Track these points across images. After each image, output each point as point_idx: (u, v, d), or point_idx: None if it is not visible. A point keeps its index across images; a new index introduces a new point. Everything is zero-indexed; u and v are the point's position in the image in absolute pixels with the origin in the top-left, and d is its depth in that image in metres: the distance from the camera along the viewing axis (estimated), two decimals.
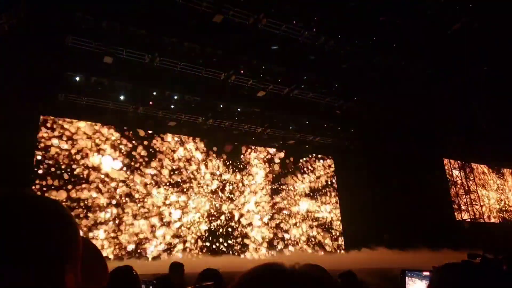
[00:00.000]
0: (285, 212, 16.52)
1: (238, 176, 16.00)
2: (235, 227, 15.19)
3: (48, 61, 11.01)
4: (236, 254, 14.66)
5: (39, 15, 10.05)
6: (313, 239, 16.57)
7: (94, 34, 11.03)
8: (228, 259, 13.24)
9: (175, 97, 13.87)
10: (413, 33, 12.26)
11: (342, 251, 16.62)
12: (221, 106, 14.65)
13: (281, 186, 16.89)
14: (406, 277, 2.64)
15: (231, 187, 15.69)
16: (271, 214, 16.15)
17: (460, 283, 0.93)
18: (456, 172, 20.40)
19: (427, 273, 2.57)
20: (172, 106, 13.85)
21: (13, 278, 0.52)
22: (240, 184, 15.96)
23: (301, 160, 17.82)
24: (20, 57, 10.46)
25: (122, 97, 13.12)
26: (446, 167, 20.29)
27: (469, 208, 19.74)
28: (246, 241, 15.19)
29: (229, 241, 14.84)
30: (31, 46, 10.40)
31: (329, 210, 17.57)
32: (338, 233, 17.16)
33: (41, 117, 12.87)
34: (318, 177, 17.96)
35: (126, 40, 11.43)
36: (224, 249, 14.55)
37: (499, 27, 11.96)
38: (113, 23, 11.12)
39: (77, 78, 12.37)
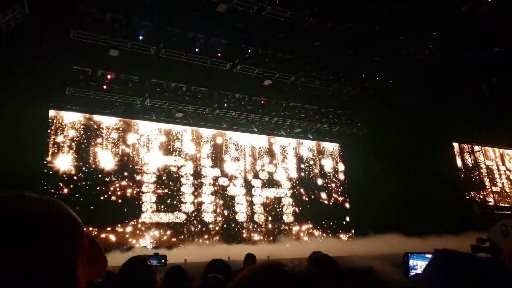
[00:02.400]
0: (294, 199, 16.61)
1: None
2: (251, 215, 15.36)
3: (54, 56, 11.09)
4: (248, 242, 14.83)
5: (43, 10, 10.08)
6: (323, 227, 16.68)
7: (99, 27, 11.04)
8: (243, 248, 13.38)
9: (182, 88, 13.88)
10: (421, 16, 12.01)
11: (352, 237, 16.70)
12: (228, 96, 14.63)
13: (287, 174, 16.94)
14: (410, 260, 2.68)
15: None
16: (282, 202, 16.27)
17: (450, 275, 0.96)
18: (466, 156, 20.18)
19: (429, 256, 2.60)
20: (179, 98, 13.88)
21: (39, 272, 0.58)
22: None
23: (309, 147, 17.80)
24: (26, 53, 10.55)
25: (128, 90, 13.18)
26: (456, 151, 20.08)
27: (480, 192, 19.57)
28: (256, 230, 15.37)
29: (245, 229, 15.05)
30: (37, 41, 10.47)
31: (337, 196, 17.61)
32: (347, 220, 17.23)
33: (50, 111, 13.05)
34: (326, 164, 17.95)
35: (131, 32, 11.43)
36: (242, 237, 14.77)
37: (509, 7, 11.62)
38: (118, 16, 11.11)
39: (84, 72, 12.44)
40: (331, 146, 18.42)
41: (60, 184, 12.44)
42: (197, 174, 14.98)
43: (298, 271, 0.70)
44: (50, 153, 12.63)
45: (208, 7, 10.88)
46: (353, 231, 16.89)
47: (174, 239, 13.66)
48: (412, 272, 2.58)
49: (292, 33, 12.39)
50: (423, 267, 2.53)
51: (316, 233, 16.47)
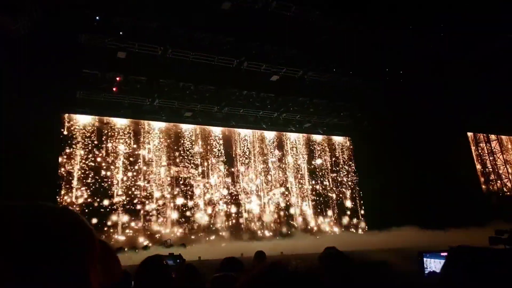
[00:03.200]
0: (307, 194, 16.56)
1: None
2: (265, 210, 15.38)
3: (64, 59, 11.23)
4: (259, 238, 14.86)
5: (52, 16, 10.21)
6: (337, 221, 16.60)
7: (106, 30, 11.15)
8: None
9: (190, 87, 13.92)
10: (431, 5, 11.75)
11: (366, 231, 16.56)
12: (236, 93, 14.61)
13: (300, 169, 16.88)
14: (424, 259, 2.62)
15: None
16: (295, 198, 16.23)
17: (466, 271, 0.92)
18: (481, 146, 19.77)
19: (445, 254, 2.53)
20: (187, 97, 13.92)
21: (51, 277, 0.62)
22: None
23: (320, 142, 17.70)
24: (37, 58, 10.71)
25: (137, 91, 13.29)
26: (470, 141, 19.70)
27: (497, 182, 19.16)
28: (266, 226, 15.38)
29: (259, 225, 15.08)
30: (47, 46, 10.61)
31: (349, 190, 17.48)
32: (359, 213, 17.10)
33: (62, 114, 13.27)
34: (337, 158, 17.83)
35: (137, 34, 11.50)
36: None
37: None
38: (124, 18, 11.19)
39: (93, 75, 12.59)
40: (342, 140, 18.26)
41: (74, 187, 12.65)
42: (208, 173, 15.04)
43: (300, 270, 0.72)
44: (63, 158, 12.84)
45: (212, 5, 10.85)
46: (367, 225, 16.74)
47: (193, 237, 13.77)
48: (427, 270, 2.53)
49: (298, 27, 12.26)
50: (437, 266, 2.47)
51: (329, 228, 16.39)
